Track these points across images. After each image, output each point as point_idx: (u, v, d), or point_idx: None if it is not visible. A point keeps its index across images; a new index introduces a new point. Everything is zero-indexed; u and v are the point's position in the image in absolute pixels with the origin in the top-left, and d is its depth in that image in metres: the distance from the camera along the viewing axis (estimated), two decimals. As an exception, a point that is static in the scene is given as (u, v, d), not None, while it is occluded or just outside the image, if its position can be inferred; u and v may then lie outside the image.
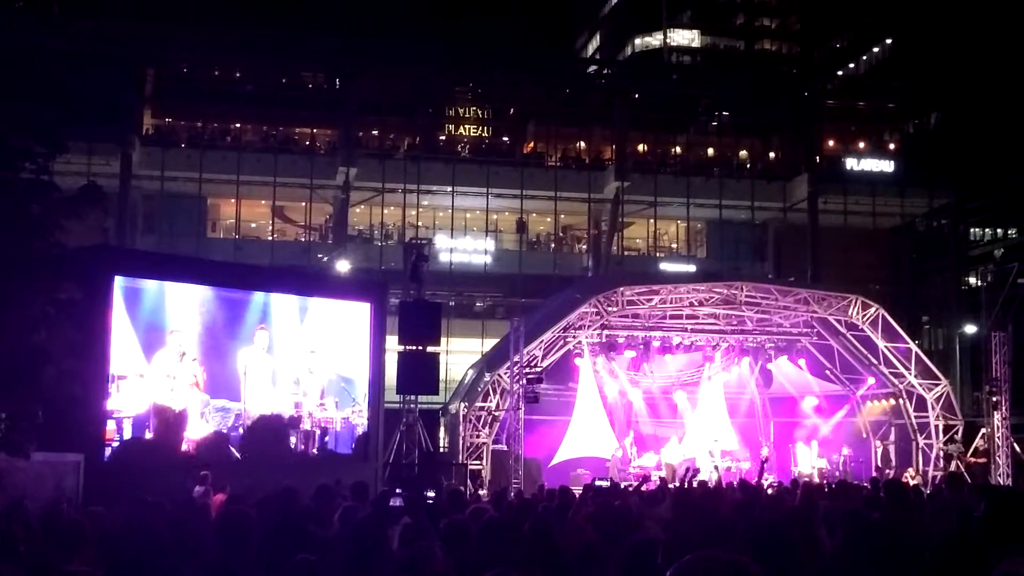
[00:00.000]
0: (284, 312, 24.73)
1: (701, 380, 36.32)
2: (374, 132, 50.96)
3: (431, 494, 16.42)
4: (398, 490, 17.55)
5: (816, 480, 29.81)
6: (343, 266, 41.39)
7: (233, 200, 47.40)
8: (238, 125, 49.53)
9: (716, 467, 32.38)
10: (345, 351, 25.60)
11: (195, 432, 22.50)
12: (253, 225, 49.62)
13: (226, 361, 23.31)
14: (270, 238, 48.75)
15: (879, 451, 35.01)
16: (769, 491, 19.24)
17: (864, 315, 32.60)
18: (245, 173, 45.42)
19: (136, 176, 44.87)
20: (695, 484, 17.39)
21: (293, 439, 24.40)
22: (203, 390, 22.74)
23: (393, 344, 26.88)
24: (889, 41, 74.85)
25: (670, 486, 18.64)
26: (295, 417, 24.45)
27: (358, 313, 25.84)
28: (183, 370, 22.39)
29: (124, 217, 43.54)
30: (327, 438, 25.08)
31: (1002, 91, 60.18)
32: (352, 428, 25.55)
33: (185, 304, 22.67)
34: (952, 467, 31.67)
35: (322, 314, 25.43)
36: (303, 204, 48.37)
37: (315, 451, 24.76)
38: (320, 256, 46.48)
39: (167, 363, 22.23)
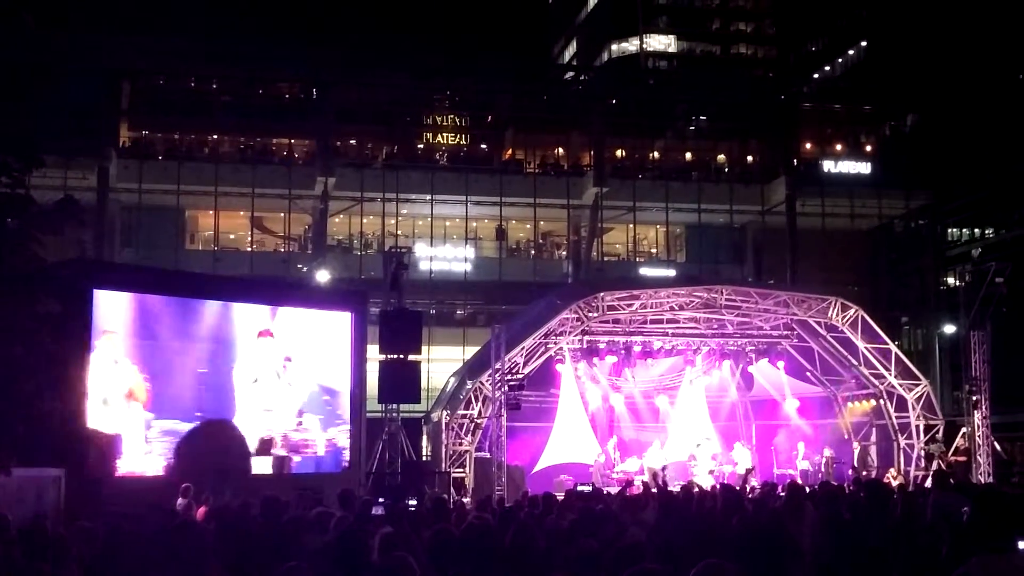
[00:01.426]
0: (248, 320, 23.38)
1: (682, 384, 36.39)
2: (352, 141, 50.92)
3: (412, 502, 16.37)
4: (380, 499, 17.52)
5: (799, 481, 29.89)
6: (323, 276, 41.28)
7: (211, 211, 47.27)
8: (215, 136, 49.42)
9: (711, 471, 32.47)
10: (326, 361, 24.88)
11: (135, 462, 20.33)
12: (232, 236, 49.48)
13: (175, 375, 21.55)
14: (249, 249, 48.61)
15: (857, 452, 35.12)
16: (751, 495, 19.28)
17: (844, 316, 32.72)
18: (223, 184, 45.33)
19: (113, 189, 44.69)
20: (668, 484, 17.40)
21: (264, 465, 22.81)
22: (146, 407, 20.74)
23: (374, 353, 26.83)
24: (864, 44, 75.28)
25: (653, 490, 18.65)
26: (266, 440, 22.94)
27: (337, 322, 25.40)
28: (116, 380, 20.36)
29: (102, 230, 43.34)
30: (297, 460, 23.44)
31: (978, 92, 60.54)
32: (338, 452, 24.53)
33: (120, 305, 20.88)
34: (934, 466, 31.83)
35: (296, 322, 24.33)
36: (282, 215, 48.30)
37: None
38: (300, 266, 46.41)
39: (96, 371, 19.95)
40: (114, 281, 21.96)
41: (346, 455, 24.64)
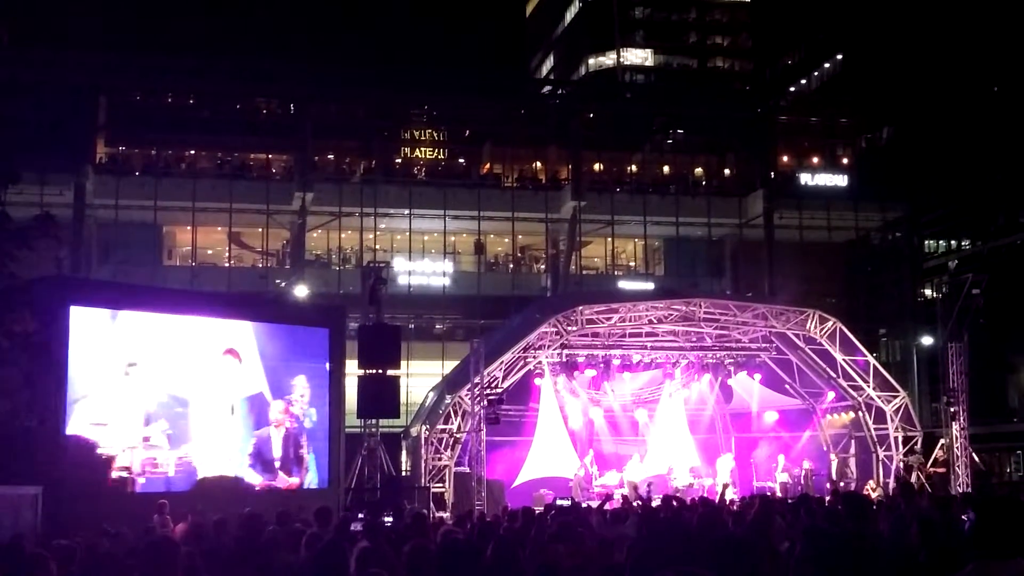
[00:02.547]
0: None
1: (662, 397, 36.41)
2: (330, 156, 50.87)
3: (388, 519, 16.28)
4: (360, 515, 17.47)
5: (779, 494, 29.95)
6: (301, 291, 41.16)
7: (189, 227, 47.10)
8: (192, 152, 49.32)
9: (691, 484, 32.50)
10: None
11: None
12: (209, 252, 49.33)
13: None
14: (227, 265, 48.49)
15: (835, 464, 35.22)
16: (733, 507, 19.28)
17: (822, 329, 32.82)
18: (200, 200, 45.16)
19: (90, 205, 44.49)
20: (652, 498, 17.41)
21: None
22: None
23: (353, 368, 26.77)
24: (840, 57, 75.75)
25: (634, 504, 18.66)
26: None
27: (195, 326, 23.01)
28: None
29: (79, 247, 43.15)
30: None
31: (953, 104, 61.01)
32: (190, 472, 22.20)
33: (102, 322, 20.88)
34: (912, 478, 31.93)
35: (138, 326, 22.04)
36: (260, 230, 48.15)
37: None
38: (278, 282, 46.23)
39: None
40: (91, 298, 21.81)
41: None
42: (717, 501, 18.99)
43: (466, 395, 29.90)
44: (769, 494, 28.23)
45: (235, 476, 23.05)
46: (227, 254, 49.12)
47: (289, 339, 25.00)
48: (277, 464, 23.89)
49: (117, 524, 13.20)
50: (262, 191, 46.24)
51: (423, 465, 30.27)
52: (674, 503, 17.60)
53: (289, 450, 24.15)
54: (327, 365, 25.15)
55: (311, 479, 24.62)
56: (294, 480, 24.25)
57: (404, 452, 34.67)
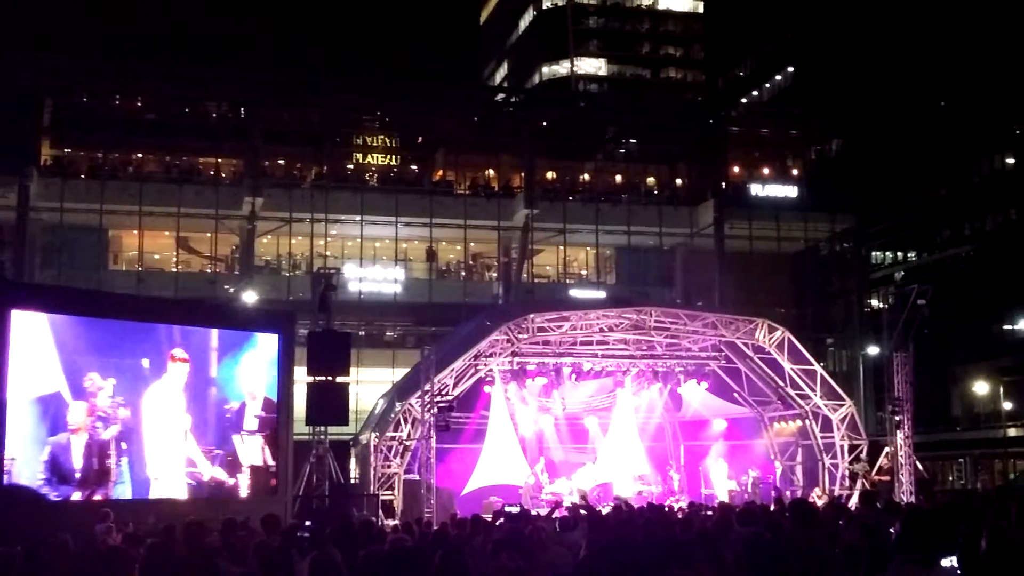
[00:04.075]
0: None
1: (612, 405, 36.50)
2: (280, 161, 50.49)
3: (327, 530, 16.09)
4: (308, 523, 17.32)
5: (726, 502, 30.07)
6: (250, 297, 40.89)
7: (135, 232, 46.50)
8: (140, 155, 48.71)
9: (639, 492, 32.61)
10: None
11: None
12: (157, 257, 48.76)
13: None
14: (174, 270, 47.99)
15: (780, 471, 35.48)
16: (679, 514, 19.32)
17: (770, 338, 33.08)
18: (147, 204, 44.63)
19: (34, 208, 43.80)
20: (604, 507, 17.42)
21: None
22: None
23: (302, 375, 26.57)
24: (791, 69, 76.60)
25: (582, 512, 18.63)
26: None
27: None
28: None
29: (22, 250, 42.53)
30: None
31: (901, 118, 61.87)
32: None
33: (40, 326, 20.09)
34: (858, 485, 32.22)
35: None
36: (208, 235, 47.68)
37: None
38: (226, 287, 45.85)
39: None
40: (33, 302, 21.44)
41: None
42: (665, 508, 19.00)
43: (416, 402, 29.80)
44: (719, 502, 28.39)
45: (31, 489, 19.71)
46: (175, 259, 48.62)
47: (98, 331, 21.73)
48: (77, 476, 20.54)
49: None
50: (211, 196, 45.79)
51: (372, 472, 30.11)
52: (623, 509, 17.61)
53: (92, 460, 20.80)
54: (145, 361, 22.23)
55: (121, 491, 21.28)
56: (97, 497, 20.69)
57: (353, 459, 34.47)
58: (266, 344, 24.82)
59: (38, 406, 20.14)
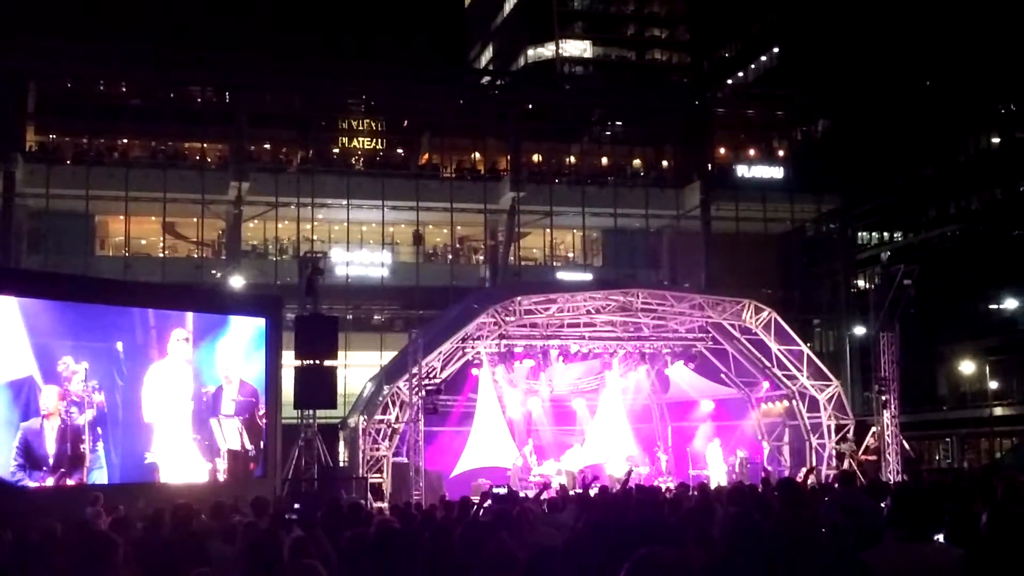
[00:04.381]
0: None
1: (600, 387, 36.57)
2: (266, 146, 50.36)
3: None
4: (296, 506, 17.36)
5: (717, 482, 30.19)
6: (237, 282, 40.84)
7: (122, 217, 46.34)
8: (125, 140, 48.53)
9: (628, 473, 32.66)
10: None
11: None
12: (143, 242, 48.64)
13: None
14: (161, 255, 47.88)
15: (767, 452, 35.62)
16: (669, 495, 19.40)
17: (757, 319, 33.16)
18: (133, 189, 44.49)
19: (20, 194, 43.69)
20: (595, 490, 17.48)
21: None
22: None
23: (290, 359, 26.58)
24: (776, 50, 76.60)
25: (571, 493, 18.70)
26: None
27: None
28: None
29: (8, 236, 42.43)
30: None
31: (887, 98, 61.95)
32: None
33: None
34: (845, 465, 32.36)
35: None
36: (195, 220, 47.54)
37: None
38: (213, 272, 45.78)
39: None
40: (19, 287, 21.36)
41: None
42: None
43: (404, 386, 29.81)
44: (706, 482, 28.52)
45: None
46: (161, 244, 48.50)
47: (70, 314, 21.34)
48: (51, 461, 20.23)
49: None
50: (197, 181, 45.65)
51: (361, 456, 30.14)
52: (612, 491, 17.68)
53: (66, 446, 20.44)
54: (119, 344, 21.83)
55: (98, 476, 20.98)
56: (70, 482, 20.50)
57: (342, 443, 34.49)
58: (241, 327, 24.69)
59: (9, 391, 19.85)
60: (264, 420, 24.57)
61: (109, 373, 21.45)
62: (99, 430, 21.06)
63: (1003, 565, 5.78)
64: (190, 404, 23.32)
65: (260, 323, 25.13)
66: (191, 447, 23.15)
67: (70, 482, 20.45)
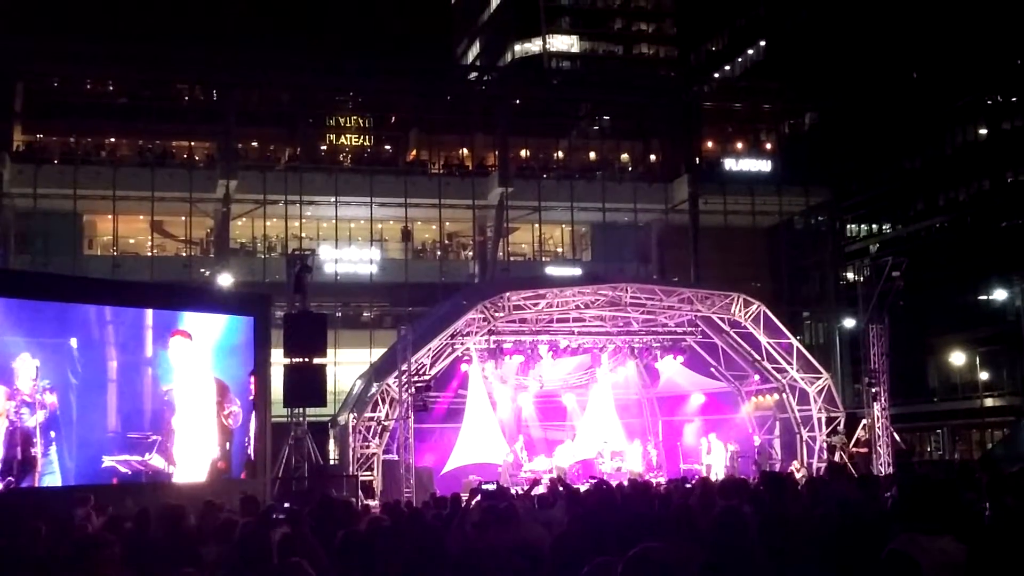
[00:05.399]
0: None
1: (589, 382, 36.55)
2: (254, 143, 50.30)
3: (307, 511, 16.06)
4: (286, 504, 17.28)
5: (710, 476, 30.20)
6: (225, 280, 40.73)
7: (110, 216, 46.28)
8: (113, 140, 48.48)
9: (618, 468, 32.75)
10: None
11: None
12: (131, 241, 48.56)
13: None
14: (149, 254, 47.78)
15: (757, 445, 35.64)
16: (660, 489, 19.41)
17: (746, 312, 33.16)
18: (121, 188, 44.41)
19: (7, 194, 43.62)
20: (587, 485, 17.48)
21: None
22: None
23: (279, 357, 26.50)
24: (763, 43, 76.57)
25: (560, 489, 18.67)
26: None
27: None
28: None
29: (-5, 237, 42.31)
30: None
31: (874, 91, 61.98)
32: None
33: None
34: (836, 458, 32.38)
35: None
36: (183, 218, 47.50)
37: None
38: (202, 270, 45.69)
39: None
40: (8, 287, 21.23)
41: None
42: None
43: (394, 383, 29.76)
44: (706, 476, 28.53)
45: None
46: (150, 243, 48.39)
47: (22, 311, 19.89)
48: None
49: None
50: (185, 179, 45.58)
51: (351, 453, 30.08)
52: (603, 487, 17.65)
53: (15, 450, 19.05)
54: (73, 341, 20.47)
55: (51, 481, 19.60)
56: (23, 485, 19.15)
57: (332, 441, 34.47)
58: (208, 325, 23.51)
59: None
60: (230, 420, 23.82)
61: (63, 371, 20.14)
62: (52, 433, 19.74)
63: (1006, 560, 5.75)
64: (151, 403, 22.12)
65: (233, 320, 24.27)
66: (156, 447, 21.79)
67: (22, 486, 19.15)
